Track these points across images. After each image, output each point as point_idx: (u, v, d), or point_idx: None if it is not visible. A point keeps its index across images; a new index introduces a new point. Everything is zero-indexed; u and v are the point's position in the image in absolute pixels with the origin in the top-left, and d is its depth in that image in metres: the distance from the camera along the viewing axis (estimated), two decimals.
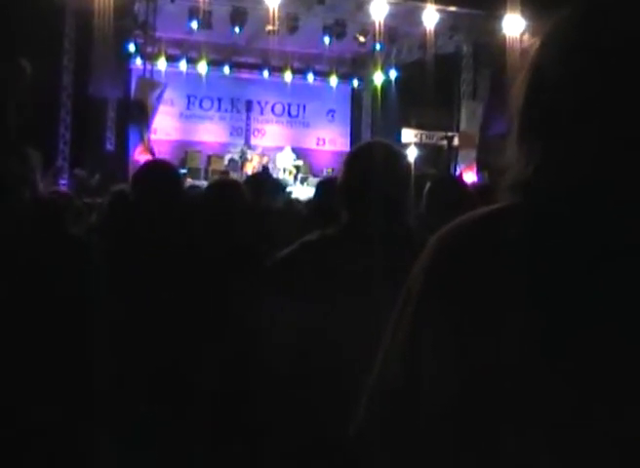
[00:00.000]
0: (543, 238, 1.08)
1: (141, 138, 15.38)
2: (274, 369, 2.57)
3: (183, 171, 17.29)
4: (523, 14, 15.59)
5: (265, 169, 17.00)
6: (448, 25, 16.66)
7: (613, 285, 1.03)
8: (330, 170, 19.34)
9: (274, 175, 15.93)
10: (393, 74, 19.71)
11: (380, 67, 19.47)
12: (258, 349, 2.69)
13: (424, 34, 16.23)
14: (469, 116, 17.62)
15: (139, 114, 15.34)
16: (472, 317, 1.09)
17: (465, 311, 1.10)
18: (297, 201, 5.53)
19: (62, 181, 14.03)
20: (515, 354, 1.04)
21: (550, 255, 1.07)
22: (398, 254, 1.83)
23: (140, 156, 15.59)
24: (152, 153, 15.49)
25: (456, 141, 17.50)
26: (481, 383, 1.07)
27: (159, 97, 15.86)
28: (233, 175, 14.96)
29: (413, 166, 3.02)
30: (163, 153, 18.88)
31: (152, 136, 16.39)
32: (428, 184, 4.31)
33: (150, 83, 16.01)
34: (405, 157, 2.84)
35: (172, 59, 19.17)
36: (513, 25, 15.96)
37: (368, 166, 2.63)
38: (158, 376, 3.38)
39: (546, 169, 1.12)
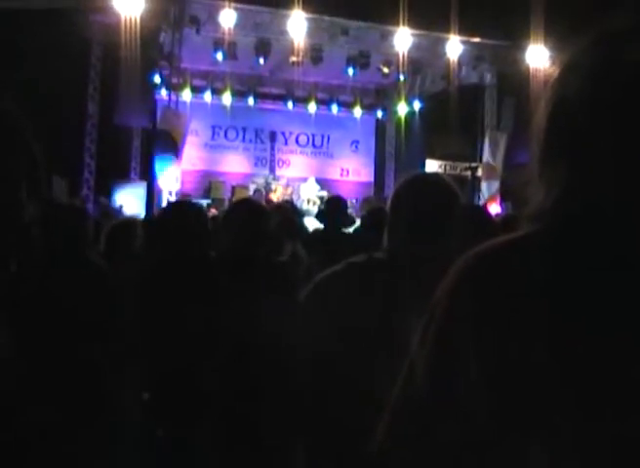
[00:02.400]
0: (565, 263, 1.11)
1: (165, 168, 15.42)
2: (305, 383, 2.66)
3: (207, 201, 17.34)
4: (546, 44, 15.58)
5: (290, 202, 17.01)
6: (471, 56, 16.70)
7: (635, 305, 1.06)
8: (354, 200, 19.33)
9: (298, 206, 15.89)
10: (417, 105, 19.73)
11: (403, 98, 19.55)
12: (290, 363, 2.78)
13: (448, 65, 16.26)
14: (493, 147, 17.53)
15: (165, 144, 15.39)
16: (494, 340, 1.11)
17: (488, 334, 1.12)
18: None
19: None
20: (541, 375, 1.06)
21: (572, 280, 1.09)
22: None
23: (163, 185, 15.67)
24: (176, 184, 15.56)
25: (479, 172, 17.43)
26: (507, 405, 1.09)
27: (186, 128, 15.93)
28: None
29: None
30: (187, 183, 19.01)
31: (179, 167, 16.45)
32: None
33: (175, 113, 16.09)
34: (456, 189, 2.80)
35: (197, 90, 19.37)
36: (537, 56, 15.94)
37: (418, 192, 2.71)
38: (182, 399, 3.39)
39: (568, 195, 1.15)
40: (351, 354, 2.49)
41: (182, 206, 4.43)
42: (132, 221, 6.19)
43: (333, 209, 6.55)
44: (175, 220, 4.10)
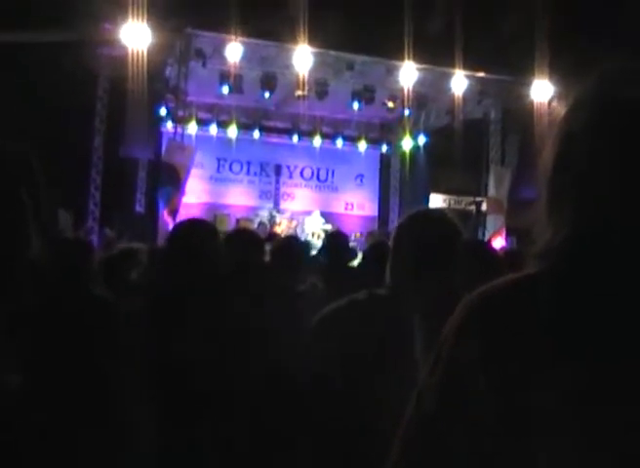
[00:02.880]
0: (570, 302, 1.12)
1: (168, 201, 15.43)
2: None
3: None
4: (551, 79, 15.64)
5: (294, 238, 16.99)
6: (476, 91, 16.73)
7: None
8: (358, 234, 19.32)
9: (302, 239, 15.87)
10: (422, 139, 19.79)
11: (408, 133, 19.64)
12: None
13: (453, 100, 16.27)
14: (497, 181, 17.50)
15: (169, 176, 15.42)
16: (502, 379, 1.13)
17: (495, 373, 1.14)
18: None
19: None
20: (548, 410, 1.08)
21: (577, 319, 1.11)
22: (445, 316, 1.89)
23: (166, 217, 15.67)
24: (174, 217, 15.55)
25: (484, 207, 17.42)
26: (514, 440, 1.11)
27: (191, 161, 15.96)
28: None
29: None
30: (192, 216, 18.93)
31: (183, 199, 16.45)
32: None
33: (181, 146, 16.12)
34: (457, 225, 2.85)
35: (202, 123, 19.42)
36: (541, 91, 16.00)
37: (417, 233, 2.75)
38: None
39: (575, 235, 1.16)
40: (352, 386, 2.53)
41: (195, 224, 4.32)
42: (132, 250, 6.19)
43: (334, 244, 6.55)
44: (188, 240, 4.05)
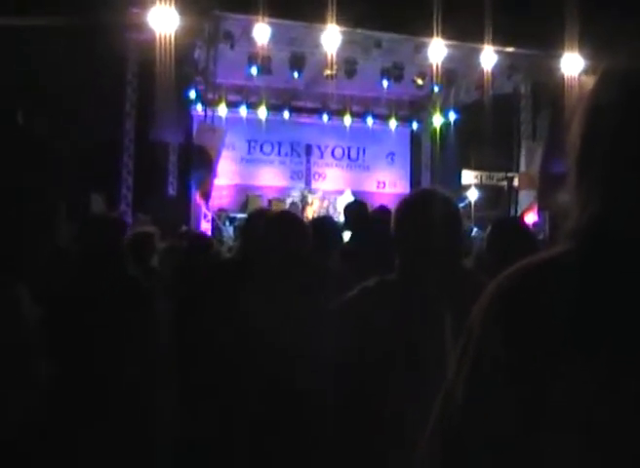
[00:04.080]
0: (595, 284, 1.10)
1: (201, 183, 15.48)
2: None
3: (245, 216, 17.34)
4: (581, 53, 15.43)
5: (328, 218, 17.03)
6: (506, 66, 16.55)
7: None
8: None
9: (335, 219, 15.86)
10: (452, 116, 19.65)
11: (438, 109, 19.60)
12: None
13: (482, 75, 16.11)
14: (529, 156, 17.39)
15: (200, 159, 15.46)
16: (528, 360, 1.12)
17: (522, 354, 1.13)
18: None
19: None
20: (575, 392, 1.07)
21: (601, 302, 1.08)
22: (454, 297, 1.98)
23: (199, 200, 15.73)
24: (207, 199, 15.57)
25: (516, 182, 17.34)
26: (538, 422, 1.10)
27: (222, 143, 15.97)
28: None
29: (473, 207, 3.06)
30: (224, 197, 19.09)
31: (215, 181, 16.46)
32: (489, 227, 4.32)
33: (211, 128, 16.16)
34: (454, 204, 2.88)
35: (232, 105, 19.44)
36: (572, 65, 15.79)
37: (418, 214, 2.73)
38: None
39: (602, 215, 1.14)
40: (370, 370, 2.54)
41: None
42: (147, 235, 6.26)
43: (352, 217, 6.69)
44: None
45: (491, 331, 1.19)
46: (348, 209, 7.07)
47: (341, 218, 17.36)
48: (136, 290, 3.98)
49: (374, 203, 19.63)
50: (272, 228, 3.86)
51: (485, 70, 15.94)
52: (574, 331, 1.08)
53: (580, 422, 1.06)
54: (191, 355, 3.62)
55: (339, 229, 6.51)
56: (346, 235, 6.92)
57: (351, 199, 18.97)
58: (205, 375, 3.52)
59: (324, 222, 6.38)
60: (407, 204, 2.84)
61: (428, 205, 2.74)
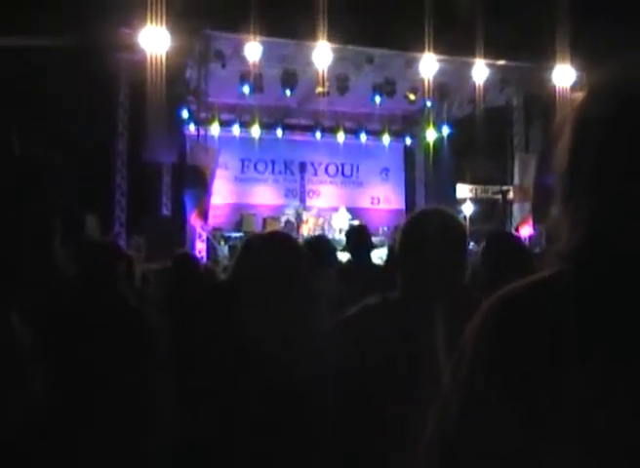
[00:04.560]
0: (591, 299, 1.11)
1: (197, 204, 15.43)
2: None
3: (240, 235, 17.32)
4: (573, 64, 15.49)
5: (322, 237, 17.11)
6: (497, 79, 16.58)
7: None
8: (385, 228, 19.27)
9: (330, 237, 15.87)
10: (445, 130, 19.65)
11: (431, 124, 19.56)
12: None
13: (474, 89, 16.16)
14: (522, 168, 17.38)
15: (195, 179, 15.43)
16: (521, 377, 1.14)
17: (514, 371, 1.15)
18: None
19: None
20: (570, 402, 1.08)
21: (592, 322, 1.10)
22: (456, 315, 1.89)
23: (195, 221, 15.67)
24: (205, 219, 15.53)
25: (510, 195, 17.39)
26: (534, 434, 1.11)
27: (215, 162, 15.95)
28: None
29: (468, 221, 3.09)
30: (219, 216, 19.03)
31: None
32: (484, 241, 4.32)
33: (204, 148, 16.13)
34: (461, 223, 2.88)
35: (225, 124, 19.43)
36: (563, 76, 15.84)
37: (424, 233, 2.72)
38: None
39: (594, 230, 1.13)
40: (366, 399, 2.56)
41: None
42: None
43: (354, 240, 6.62)
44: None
45: (483, 349, 1.21)
46: (350, 233, 7.03)
47: (337, 236, 17.56)
48: (135, 320, 4.00)
49: (368, 219, 19.92)
50: (265, 247, 3.81)
51: (477, 84, 15.98)
52: (568, 341, 1.09)
53: (577, 430, 1.07)
54: (189, 361, 3.60)
55: (333, 247, 6.54)
56: (345, 256, 6.95)
57: (346, 216, 19.07)
58: (203, 378, 3.51)
59: (318, 241, 6.48)
60: (413, 223, 2.84)
61: (434, 224, 2.74)
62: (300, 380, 3.06)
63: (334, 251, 6.52)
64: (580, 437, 1.07)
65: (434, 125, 19.69)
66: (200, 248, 16.21)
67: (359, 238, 6.61)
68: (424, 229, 2.74)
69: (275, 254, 3.67)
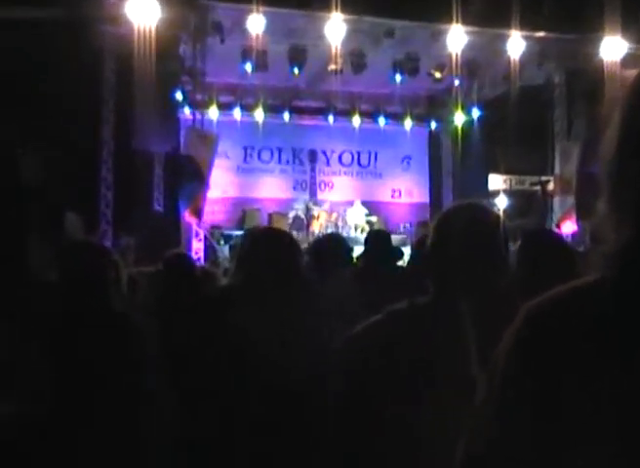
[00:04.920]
0: (628, 317, 1.12)
1: (192, 198, 15.32)
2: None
3: (242, 233, 17.20)
4: (624, 36, 15.26)
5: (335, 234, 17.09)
6: (536, 53, 16.38)
7: None
8: (407, 224, 19.14)
9: (344, 234, 15.76)
10: (476, 113, 19.52)
11: (460, 106, 19.30)
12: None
13: (509, 65, 15.95)
14: (564, 157, 17.27)
15: (190, 171, 15.32)
16: (557, 389, 1.16)
17: (550, 383, 1.17)
18: None
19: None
20: (608, 422, 1.11)
21: (633, 332, 1.11)
22: (491, 322, 1.89)
23: (189, 217, 15.57)
24: (200, 216, 15.45)
25: (551, 186, 17.35)
26: (567, 450, 1.15)
27: (214, 151, 15.85)
28: (298, 236, 14.66)
29: (502, 217, 3.01)
30: (218, 213, 18.98)
31: (207, 194, 16.37)
32: (520, 240, 4.24)
33: (201, 134, 16.02)
34: (500, 219, 2.88)
35: (224, 107, 19.33)
36: (613, 50, 15.60)
37: (461, 231, 2.71)
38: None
39: (637, 243, 1.14)
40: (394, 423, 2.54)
41: None
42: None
43: (374, 246, 6.65)
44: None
45: (517, 361, 1.24)
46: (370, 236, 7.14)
47: (352, 233, 17.52)
48: (124, 329, 4.02)
49: (388, 214, 19.82)
50: (259, 245, 4.04)
51: (512, 59, 15.73)
52: (610, 350, 1.12)
53: (616, 434, 1.10)
54: (182, 364, 3.82)
55: (348, 247, 6.51)
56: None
57: (362, 211, 18.97)
58: (198, 381, 3.75)
59: (331, 239, 6.69)
60: (448, 219, 2.82)
61: (472, 220, 2.74)
62: (298, 381, 3.25)
63: (349, 250, 6.48)
64: (618, 439, 1.10)
65: (463, 107, 19.45)
66: (197, 248, 16.21)
67: (378, 247, 6.63)
68: (456, 224, 2.74)
69: (272, 251, 3.90)
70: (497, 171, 18.45)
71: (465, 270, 2.66)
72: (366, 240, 7.05)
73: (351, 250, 6.63)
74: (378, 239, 6.87)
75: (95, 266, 4.09)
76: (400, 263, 7.30)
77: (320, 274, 5.46)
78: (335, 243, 6.33)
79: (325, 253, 5.88)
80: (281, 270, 3.87)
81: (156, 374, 3.89)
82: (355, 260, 6.93)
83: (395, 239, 10.11)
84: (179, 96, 17.47)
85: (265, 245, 4.02)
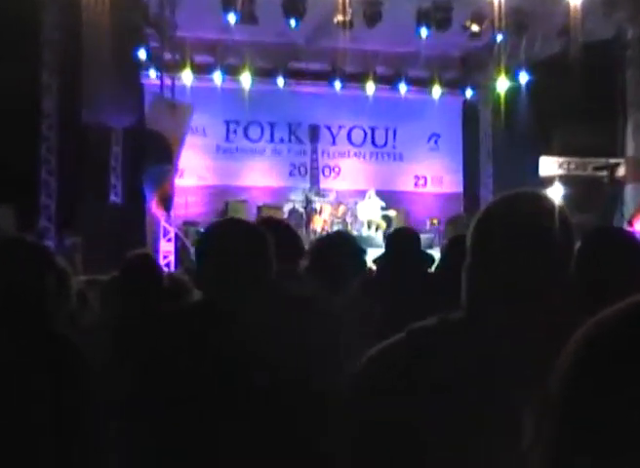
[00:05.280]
0: None
1: (159, 185, 15.26)
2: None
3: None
4: None
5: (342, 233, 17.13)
6: (602, 1, 16.23)
7: None
8: (434, 220, 19.03)
9: (355, 233, 15.75)
10: (524, 77, 19.50)
11: (503, 69, 19.35)
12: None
13: (567, 16, 15.92)
14: (639, 134, 17.13)
15: (156, 150, 15.30)
16: (619, 439, 1.13)
17: (616, 416, 1.14)
18: None
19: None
20: None
21: None
22: (543, 345, 1.94)
23: (156, 210, 15.51)
24: (168, 208, 15.39)
25: (621, 171, 17.24)
26: None
27: (187, 125, 15.84)
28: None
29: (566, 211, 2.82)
30: (193, 205, 18.95)
31: (178, 181, 16.26)
32: (580, 240, 4.02)
33: (171, 104, 16.00)
34: (566, 214, 2.67)
35: (201, 70, 19.32)
36: None
37: (504, 232, 2.61)
38: None
39: None
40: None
41: None
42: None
43: (397, 250, 6.59)
44: None
45: (574, 391, 1.24)
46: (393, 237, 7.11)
47: (364, 232, 17.46)
48: (62, 358, 3.89)
49: (410, 207, 19.80)
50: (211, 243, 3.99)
51: (572, 6, 15.68)
52: None
53: None
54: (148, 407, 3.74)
55: (359, 248, 6.48)
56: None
57: (378, 203, 18.91)
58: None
59: (337, 239, 6.56)
60: (491, 216, 2.69)
61: (525, 217, 2.62)
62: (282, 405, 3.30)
63: (360, 253, 6.41)
64: None
65: (507, 70, 19.52)
66: (166, 250, 16.28)
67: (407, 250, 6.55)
68: (503, 222, 2.64)
69: (238, 251, 3.80)
70: (550, 152, 18.45)
71: (514, 282, 2.54)
72: (388, 241, 6.99)
73: (364, 252, 6.59)
74: (403, 240, 6.77)
75: (28, 272, 3.99)
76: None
77: (322, 283, 5.35)
78: (342, 244, 6.19)
79: (329, 256, 5.77)
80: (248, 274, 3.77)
81: (103, 426, 3.85)
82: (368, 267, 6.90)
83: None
84: (142, 54, 17.40)
85: (219, 244, 3.91)
